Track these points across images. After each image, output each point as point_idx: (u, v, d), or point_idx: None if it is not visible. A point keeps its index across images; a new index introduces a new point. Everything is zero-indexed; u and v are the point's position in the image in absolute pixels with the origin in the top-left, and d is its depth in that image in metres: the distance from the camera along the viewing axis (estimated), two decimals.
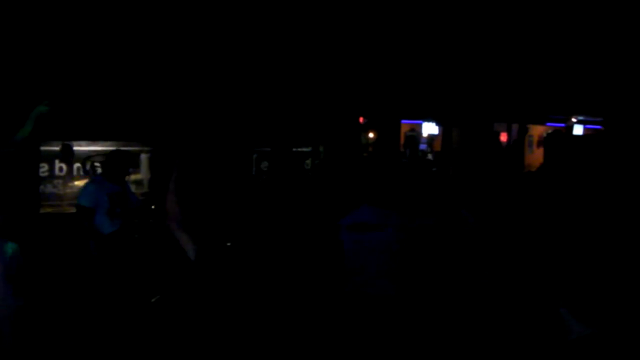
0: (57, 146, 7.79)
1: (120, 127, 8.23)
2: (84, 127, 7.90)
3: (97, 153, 8.09)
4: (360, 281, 4.23)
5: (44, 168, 7.89)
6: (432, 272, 4.04)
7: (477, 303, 4.07)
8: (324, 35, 9.91)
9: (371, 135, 16.03)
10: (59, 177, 8.00)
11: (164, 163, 8.68)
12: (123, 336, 5.46)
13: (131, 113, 8.30)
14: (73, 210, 6.93)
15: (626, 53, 11.76)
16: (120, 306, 5.74)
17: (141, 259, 6.20)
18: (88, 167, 8.13)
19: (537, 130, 19.09)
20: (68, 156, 7.88)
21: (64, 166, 8.02)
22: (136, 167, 8.32)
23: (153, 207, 7.78)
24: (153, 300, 6.06)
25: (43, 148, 7.66)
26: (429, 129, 18.91)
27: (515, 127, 18.28)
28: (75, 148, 7.96)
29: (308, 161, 9.94)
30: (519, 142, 17.71)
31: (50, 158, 7.91)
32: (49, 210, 7.89)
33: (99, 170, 7.89)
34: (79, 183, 7.82)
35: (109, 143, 8.07)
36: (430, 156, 17.19)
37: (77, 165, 8.10)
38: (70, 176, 8.05)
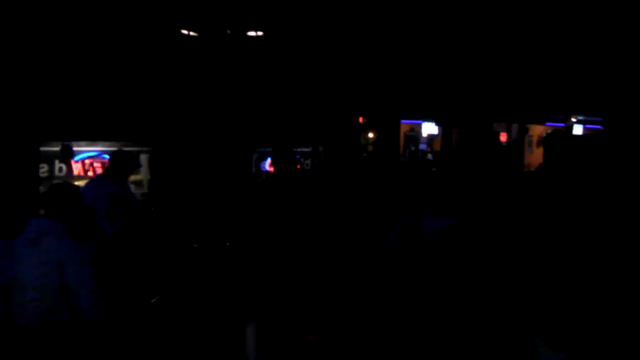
0: (56, 146, 7.78)
1: (120, 128, 8.23)
2: (84, 127, 7.90)
3: (97, 153, 8.09)
4: None
5: (43, 168, 7.88)
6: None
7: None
8: (324, 36, 9.92)
9: (371, 135, 16.03)
10: (58, 178, 7.99)
11: (164, 164, 8.68)
12: (123, 336, 5.46)
13: (131, 114, 8.30)
14: None
15: (626, 53, 11.77)
16: (120, 306, 5.72)
17: (141, 259, 6.20)
18: (88, 167, 8.14)
19: (537, 130, 19.09)
20: (68, 156, 7.88)
21: (63, 166, 8.01)
22: (138, 167, 8.34)
23: (153, 208, 7.80)
24: (153, 300, 6.06)
25: (43, 148, 7.66)
26: (429, 129, 18.89)
27: (515, 127, 18.29)
28: (75, 148, 7.96)
29: (308, 161, 9.94)
30: (518, 142, 17.72)
31: (50, 158, 7.91)
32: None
33: (99, 171, 7.89)
34: (79, 183, 7.82)
35: (108, 143, 8.08)
36: (430, 156, 17.19)
37: (77, 165, 8.10)
38: (70, 176, 8.05)
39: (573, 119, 18.62)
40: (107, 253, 5.98)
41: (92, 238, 6.31)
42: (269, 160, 9.55)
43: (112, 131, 8.18)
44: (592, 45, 12.42)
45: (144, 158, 8.57)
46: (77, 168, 8.10)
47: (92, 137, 8.14)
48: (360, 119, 13.70)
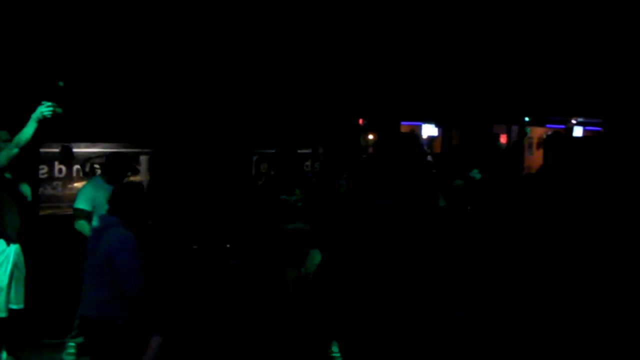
0: (56, 148, 7.78)
1: (119, 129, 8.22)
2: (84, 129, 7.89)
3: (97, 155, 8.08)
4: None
5: (43, 170, 7.87)
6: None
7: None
8: (324, 37, 9.91)
9: (370, 137, 16.01)
10: (58, 179, 7.98)
11: (164, 165, 8.67)
12: (123, 337, 5.44)
13: (131, 115, 8.29)
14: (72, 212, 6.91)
15: (626, 54, 11.76)
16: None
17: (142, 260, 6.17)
18: (87, 169, 8.12)
19: (537, 132, 19.08)
20: (67, 158, 7.87)
21: (63, 168, 8.01)
22: (136, 171, 8.32)
23: (152, 208, 7.77)
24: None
25: (42, 150, 7.65)
26: (429, 130, 18.88)
27: (515, 128, 18.28)
28: (74, 150, 7.95)
29: (308, 163, 9.94)
30: (518, 144, 17.70)
31: (49, 160, 7.90)
32: (48, 212, 7.87)
33: (99, 172, 7.88)
34: (79, 185, 7.81)
35: (108, 145, 8.07)
36: (429, 157, 17.17)
37: (76, 167, 8.09)
38: (69, 178, 8.04)
39: (573, 121, 18.61)
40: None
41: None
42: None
43: (112, 132, 8.17)
44: (592, 48, 12.41)
45: (143, 159, 8.57)
46: (76, 169, 8.10)
47: (91, 139, 8.13)
48: (360, 121, 13.69)
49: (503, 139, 17.86)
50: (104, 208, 6.28)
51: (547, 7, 11.18)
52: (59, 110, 5.40)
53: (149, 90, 8.44)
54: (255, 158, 9.59)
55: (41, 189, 7.82)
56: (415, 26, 10.93)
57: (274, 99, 9.65)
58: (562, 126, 18.50)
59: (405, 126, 17.44)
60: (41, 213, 7.79)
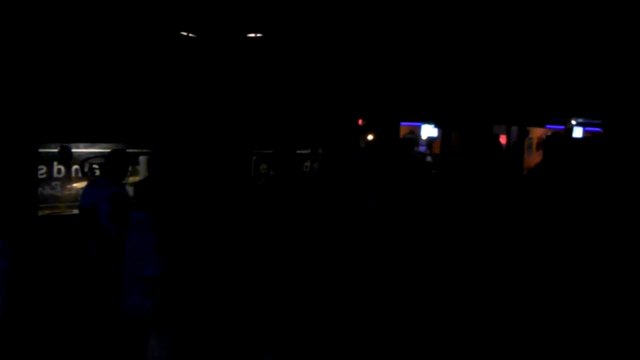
0: (55, 148, 7.76)
1: (118, 129, 8.21)
2: (83, 128, 7.88)
3: (96, 155, 8.07)
4: None
5: (42, 170, 7.85)
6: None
7: None
8: (323, 37, 9.90)
9: (370, 137, 16.01)
10: (57, 179, 7.97)
11: (163, 165, 8.65)
12: (124, 337, 5.44)
13: (130, 115, 8.28)
14: (71, 212, 6.90)
15: (626, 55, 11.76)
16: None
17: None
18: (87, 169, 8.11)
19: (537, 133, 19.08)
20: (66, 158, 7.85)
21: (62, 168, 7.99)
22: (135, 164, 8.31)
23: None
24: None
25: (41, 150, 7.64)
26: (428, 131, 18.88)
27: (515, 129, 18.28)
28: (73, 150, 7.93)
29: (307, 163, 9.92)
30: (518, 145, 17.70)
31: (48, 160, 7.88)
32: (47, 212, 7.86)
33: (97, 173, 7.86)
34: (78, 185, 7.80)
35: (107, 145, 8.05)
36: (429, 158, 17.16)
37: (75, 167, 8.07)
38: (68, 178, 8.02)
39: (573, 122, 18.60)
40: (110, 255, 5.96)
41: (95, 240, 6.31)
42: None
43: (111, 132, 8.16)
44: (592, 48, 12.41)
45: (142, 159, 8.55)
46: (75, 170, 8.09)
47: (91, 139, 8.12)
48: (360, 121, 13.68)
49: (503, 139, 17.86)
50: (107, 206, 6.29)
51: (547, 8, 11.17)
52: None
53: (148, 90, 8.43)
54: (254, 158, 9.58)
55: (40, 189, 7.81)
56: (415, 27, 10.92)
57: (273, 99, 9.65)
58: (562, 127, 18.49)
59: (404, 127, 17.45)
60: (40, 213, 7.78)
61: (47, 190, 7.89)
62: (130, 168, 7.04)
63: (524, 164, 16.63)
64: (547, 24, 11.64)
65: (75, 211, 6.88)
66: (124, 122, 8.21)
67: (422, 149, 19.36)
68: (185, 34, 8.41)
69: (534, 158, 17.98)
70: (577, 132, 18.54)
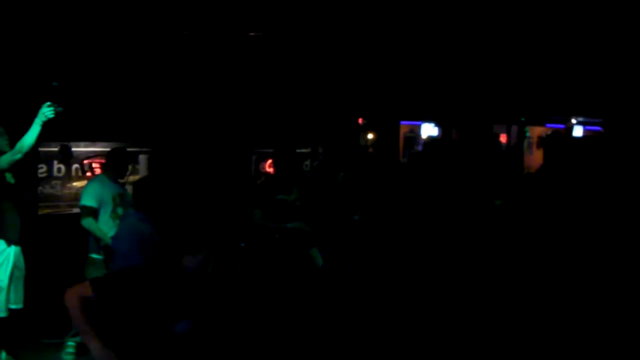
0: (55, 147, 7.77)
1: (119, 128, 8.21)
2: (83, 128, 7.88)
3: (96, 154, 8.07)
4: None
5: (42, 169, 7.86)
6: None
7: None
8: (323, 35, 9.90)
9: (370, 136, 16.00)
10: (57, 178, 7.98)
11: (163, 164, 8.66)
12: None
13: (130, 114, 8.28)
14: (71, 211, 6.90)
15: (626, 54, 11.76)
16: None
17: None
18: (87, 168, 8.11)
19: (537, 132, 19.06)
20: (66, 157, 7.86)
21: (62, 167, 8.00)
22: (135, 163, 8.32)
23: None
24: None
25: (41, 149, 7.64)
26: (428, 130, 18.87)
27: (515, 128, 18.26)
28: (73, 149, 7.94)
29: (307, 162, 9.93)
30: (519, 144, 17.69)
31: (48, 159, 7.88)
32: (47, 211, 7.86)
33: (98, 172, 7.87)
34: (78, 184, 7.80)
35: (107, 144, 8.06)
36: None
37: (75, 166, 8.08)
38: (68, 177, 8.03)
39: (573, 121, 18.58)
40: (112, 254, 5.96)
41: (96, 239, 6.30)
42: (268, 161, 9.55)
43: (111, 132, 8.16)
44: (592, 47, 12.40)
45: (143, 159, 8.56)
46: (75, 169, 8.09)
47: (91, 138, 8.12)
48: (360, 120, 13.68)
49: (503, 138, 17.84)
50: (110, 205, 6.28)
51: (547, 7, 11.16)
52: (59, 109, 5.40)
53: (148, 89, 8.43)
54: (254, 157, 9.59)
55: (40, 188, 7.81)
56: (415, 26, 10.92)
57: (273, 98, 9.64)
58: (562, 126, 18.47)
59: (405, 125, 17.44)
60: (40, 212, 7.78)
61: (47, 189, 7.90)
62: (130, 167, 7.05)
63: (524, 163, 16.62)
64: (547, 23, 11.64)
65: (76, 210, 6.88)
66: (124, 121, 8.21)
67: (421, 147, 19.36)
68: (185, 33, 8.41)
69: (534, 157, 17.98)
70: (577, 131, 18.52)
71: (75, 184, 7.94)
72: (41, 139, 5.67)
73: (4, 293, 5.69)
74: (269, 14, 8.96)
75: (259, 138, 9.57)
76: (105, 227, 6.23)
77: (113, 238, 5.26)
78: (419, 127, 19.11)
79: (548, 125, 18.52)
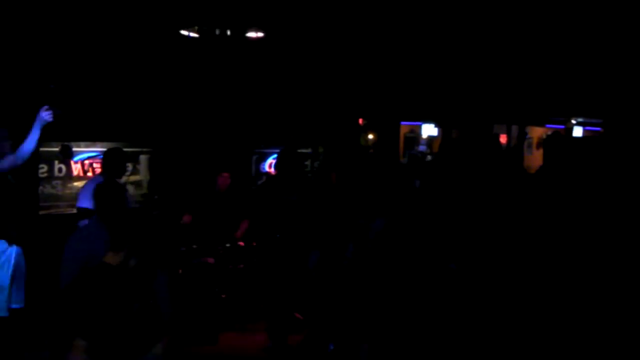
0: (56, 147, 7.77)
1: (119, 128, 8.22)
2: (83, 128, 7.89)
3: (97, 154, 8.08)
4: None
5: (43, 169, 7.86)
6: None
7: None
8: (324, 36, 9.90)
9: (370, 136, 16.02)
10: (58, 178, 7.98)
11: (164, 164, 8.67)
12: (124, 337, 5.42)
13: (130, 114, 8.29)
14: (72, 211, 6.90)
15: (626, 54, 11.76)
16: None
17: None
18: (87, 168, 8.12)
19: (537, 132, 19.07)
20: (67, 157, 7.86)
21: (63, 167, 8.00)
22: (136, 163, 8.32)
23: (152, 208, 7.78)
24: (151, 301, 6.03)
25: (42, 149, 7.65)
26: (429, 130, 18.88)
27: (515, 128, 18.27)
28: (74, 149, 7.94)
29: (308, 162, 9.93)
30: (519, 145, 17.71)
31: (49, 159, 7.89)
32: (47, 211, 7.87)
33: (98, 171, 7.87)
34: (78, 184, 7.81)
35: (108, 144, 8.07)
36: (429, 157, 17.17)
37: (76, 166, 8.08)
38: (69, 177, 8.03)
39: (573, 121, 18.60)
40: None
41: None
42: (268, 161, 9.55)
43: (112, 132, 8.17)
44: (592, 48, 12.41)
45: (143, 159, 8.56)
46: (76, 168, 8.09)
47: (91, 138, 8.12)
48: (360, 121, 13.69)
49: (503, 139, 17.85)
50: None
51: (547, 7, 11.17)
52: (58, 112, 5.40)
53: (149, 89, 8.44)
54: (254, 157, 9.60)
55: (41, 188, 7.82)
56: (415, 26, 10.93)
57: (274, 98, 9.65)
58: (562, 126, 18.48)
59: (405, 126, 17.46)
60: (41, 212, 7.79)
61: (47, 189, 7.90)
62: (130, 167, 7.05)
63: (524, 163, 16.63)
64: (547, 23, 11.64)
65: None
66: (124, 121, 8.22)
67: (422, 148, 19.36)
68: (185, 33, 8.41)
69: (534, 157, 17.99)
70: (577, 132, 18.53)
71: (75, 184, 7.95)
72: (42, 140, 5.67)
73: (5, 293, 5.69)
74: (269, 15, 8.97)
75: (260, 138, 9.58)
76: None
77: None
78: (419, 127, 19.14)
79: (548, 125, 18.53)
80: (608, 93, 12.85)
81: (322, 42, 9.93)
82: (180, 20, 8.45)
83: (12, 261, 5.78)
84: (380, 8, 10.04)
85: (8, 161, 5.48)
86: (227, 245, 7.23)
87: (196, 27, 8.35)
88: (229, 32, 8.56)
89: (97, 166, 8.01)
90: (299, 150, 9.47)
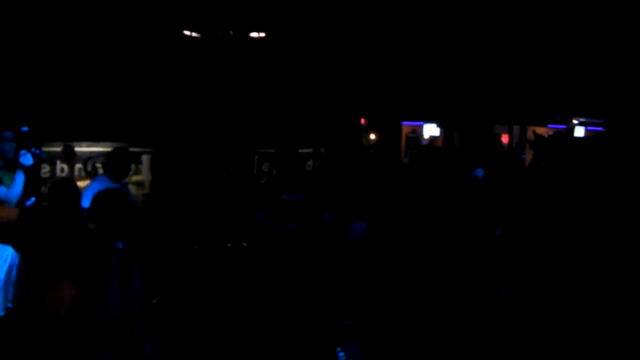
0: (58, 147, 7.78)
1: (121, 128, 8.24)
2: (86, 128, 7.91)
3: (99, 154, 8.09)
4: None
5: (45, 169, 7.87)
6: None
7: None
8: (326, 38, 9.92)
9: (372, 136, 16.03)
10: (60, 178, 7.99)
11: (166, 164, 8.68)
12: (125, 337, 5.45)
13: (133, 114, 8.31)
14: None
15: (627, 54, 11.76)
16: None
17: (142, 259, 6.19)
18: (90, 168, 8.14)
19: (538, 132, 19.07)
20: (69, 157, 7.87)
21: (65, 167, 8.01)
22: (138, 163, 8.34)
23: (154, 207, 7.80)
24: (154, 301, 6.06)
25: (44, 149, 7.66)
26: (430, 130, 18.89)
27: (516, 128, 18.27)
28: (76, 149, 7.96)
29: (310, 162, 9.94)
30: (521, 145, 17.71)
31: (51, 159, 7.90)
32: None
33: (100, 171, 7.89)
34: (81, 184, 7.82)
35: (110, 144, 8.09)
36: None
37: (78, 166, 8.10)
38: (71, 177, 8.05)
39: (574, 121, 18.59)
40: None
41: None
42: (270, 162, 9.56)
43: (114, 132, 8.19)
44: (593, 48, 12.41)
45: (145, 159, 8.58)
46: (78, 169, 8.11)
47: (93, 138, 8.14)
48: (362, 121, 13.70)
49: (505, 139, 17.86)
50: None
51: (549, 8, 11.17)
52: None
53: (152, 90, 8.46)
54: (256, 157, 9.60)
55: (43, 188, 7.83)
56: (418, 27, 10.93)
57: (276, 99, 9.67)
58: (564, 126, 18.48)
59: (407, 126, 17.47)
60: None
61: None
62: (132, 167, 7.06)
63: (525, 164, 16.61)
64: (549, 24, 11.65)
65: None
66: (126, 121, 8.24)
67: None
68: (188, 34, 8.43)
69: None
70: (579, 132, 18.52)
71: (78, 183, 7.95)
72: (42, 137, 5.69)
73: (1, 292, 5.71)
74: (271, 16, 8.99)
75: (262, 138, 9.59)
76: None
77: None
78: (421, 127, 19.14)
79: (550, 125, 18.53)
80: (609, 93, 12.85)
81: (324, 43, 9.94)
82: (183, 21, 8.47)
83: (9, 262, 5.81)
84: (383, 9, 10.05)
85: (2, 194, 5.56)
86: (229, 245, 7.25)
87: (199, 28, 8.37)
88: (231, 32, 8.58)
89: (100, 166, 8.02)
90: (301, 151, 9.51)
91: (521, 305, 4.14)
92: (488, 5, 11.08)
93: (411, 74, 12.08)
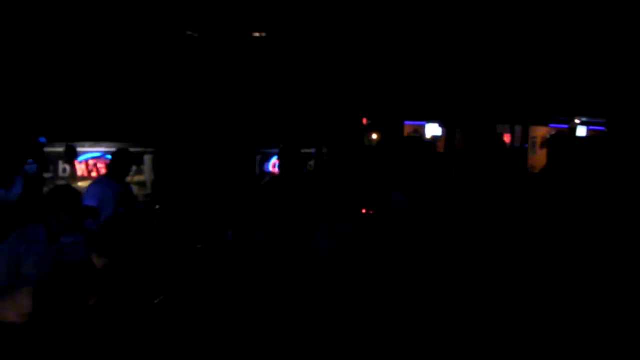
0: (61, 147, 7.80)
1: (124, 129, 8.25)
2: (88, 128, 7.92)
3: (101, 154, 8.11)
4: None
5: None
6: None
7: None
8: (328, 37, 9.92)
9: (374, 136, 16.03)
10: (62, 178, 8.01)
11: (168, 164, 8.69)
12: (125, 337, 5.45)
13: (135, 115, 8.31)
14: None
15: (629, 54, 11.75)
16: (122, 307, 5.72)
17: (144, 259, 6.19)
18: (91, 168, 8.15)
19: (540, 132, 19.04)
20: (72, 157, 7.90)
21: (67, 167, 8.03)
22: (140, 163, 8.34)
23: (157, 207, 7.80)
24: (156, 301, 6.06)
25: (47, 149, 7.68)
26: (432, 130, 18.88)
27: (518, 128, 18.26)
28: (78, 149, 7.98)
29: (312, 162, 9.94)
30: (522, 144, 17.70)
31: (54, 159, 7.92)
32: None
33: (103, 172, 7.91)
34: (83, 184, 7.83)
35: (112, 144, 8.10)
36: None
37: (81, 166, 8.12)
38: (73, 177, 8.06)
39: (577, 121, 18.57)
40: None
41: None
42: (272, 161, 9.57)
43: (116, 132, 8.20)
44: (595, 47, 12.40)
45: (147, 159, 8.59)
46: (81, 169, 8.13)
47: (95, 138, 8.15)
48: (364, 120, 13.70)
49: (507, 138, 17.84)
50: (111, 205, 6.32)
51: (550, 8, 11.17)
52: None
53: (154, 90, 8.47)
54: (259, 158, 9.61)
55: (45, 189, 7.84)
56: (420, 27, 10.93)
57: (278, 99, 9.67)
58: (566, 126, 18.46)
59: (409, 126, 17.46)
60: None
61: None
62: (134, 167, 7.08)
63: (527, 163, 16.59)
64: (551, 23, 11.64)
65: None
66: (128, 122, 8.25)
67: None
68: (190, 33, 8.44)
69: (537, 157, 17.98)
70: (581, 131, 18.49)
71: (80, 184, 7.97)
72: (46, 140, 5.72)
73: None
74: (273, 16, 9.00)
75: (264, 138, 9.59)
76: None
77: None
78: (423, 127, 19.14)
79: (552, 125, 18.51)
80: (612, 93, 12.84)
81: (326, 42, 9.94)
82: (185, 21, 8.48)
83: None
84: (385, 8, 10.05)
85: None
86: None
87: (200, 28, 8.38)
88: (232, 34, 8.59)
89: (102, 166, 8.04)
90: (303, 150, 9.51)
91: (521, 304, 4.14)
92: (490, 5, 11.07)
93: (413, 73, 12.08)
